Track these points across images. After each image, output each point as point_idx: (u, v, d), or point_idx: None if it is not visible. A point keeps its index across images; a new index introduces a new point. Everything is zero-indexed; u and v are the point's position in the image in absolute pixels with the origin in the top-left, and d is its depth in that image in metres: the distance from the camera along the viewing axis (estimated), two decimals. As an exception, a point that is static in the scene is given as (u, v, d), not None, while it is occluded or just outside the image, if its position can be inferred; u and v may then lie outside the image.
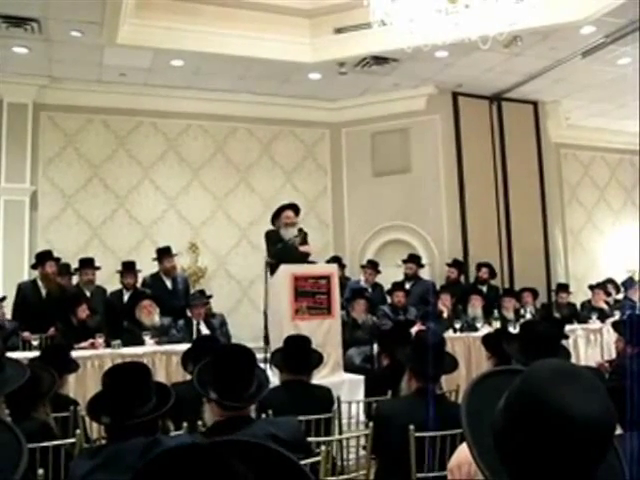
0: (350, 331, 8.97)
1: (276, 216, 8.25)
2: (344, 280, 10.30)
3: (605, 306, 11.18)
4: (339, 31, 10.16)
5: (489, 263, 11.40)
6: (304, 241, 8.08)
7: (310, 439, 4.04)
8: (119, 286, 9.55)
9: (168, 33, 9.51)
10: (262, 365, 6.09)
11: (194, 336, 8.35)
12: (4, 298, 8.59)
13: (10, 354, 4.13)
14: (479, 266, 11.40)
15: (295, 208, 8.28)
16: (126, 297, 9.32)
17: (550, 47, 10.03)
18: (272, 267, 7.79)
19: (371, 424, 4.20)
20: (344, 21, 10.04)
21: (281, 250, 7.83)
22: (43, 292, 8.93)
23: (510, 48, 9.74)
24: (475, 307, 10.05)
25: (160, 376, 7.01)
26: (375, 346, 8.68)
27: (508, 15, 7.82)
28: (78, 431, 4.21)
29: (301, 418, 4.21)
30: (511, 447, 1.40)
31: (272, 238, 8.06)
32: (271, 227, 8.29)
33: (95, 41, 9.33)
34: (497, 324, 9.32)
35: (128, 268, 9.56)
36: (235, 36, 9.79)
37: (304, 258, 7.93)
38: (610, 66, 10.71)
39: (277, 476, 1.28)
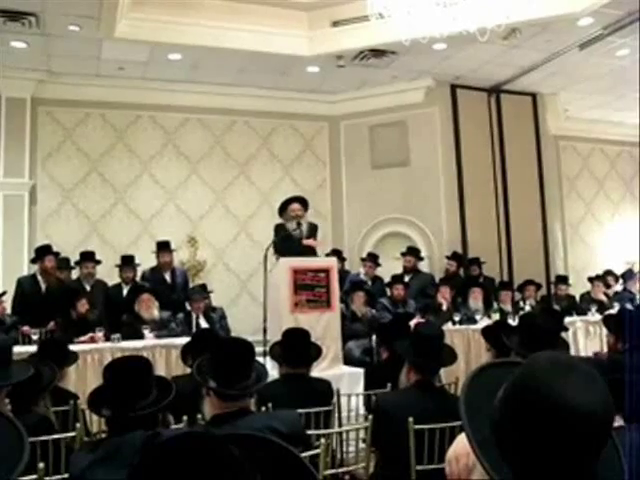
0: (349, 324, 8.98)
1: (283, 209, 8.22)
2: (343, 273, 10.30)
3: (604, 298, 11.20)
4: (337, 24, 10.14)
5: (474, 259, 11.47)
6: (311, 234, 8.05)
7: (310, 432, 4.06)
8: (118, 280, 9.56)
9: (165, 27, 9.49)
10: (261, 358, 6.12)
11: (193, 330, 8.37)
12: (4, 293, 8.59)
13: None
14: (469, 264, 11.44)
15: (302, 201, 8.24)
16: (125, 291, 9.34)
17: (548, 39, 10.02)
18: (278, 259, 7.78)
19: (370, 417, 4.21)
20: (342, 14, 10.02)
21: (283, 242, 7.81)
22: (43, 286, 8.93)
23: (508, 40, 9.74)
24: (477, 300, 10.06)
25: (160, 370, 7.02)
26: (374, 338, 8.71)
27: (506, 7, 7.83)
28: (78, 425, 4.22)
29: (301, 411, 4.21)
30: (510, 439, 1.40)
31: (278, 231, 8.06)
32: (279, 220, 8.28)
33: (93, 35, 9.31)
34: (496, 316, 9.32)
35: (127, 262, 9.58)
36: (232, 29, 9.77)
37: (308, 251, 7.90)
38: (609, 58, 10.70)
39: (278, 468, 1.29)
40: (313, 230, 8.11)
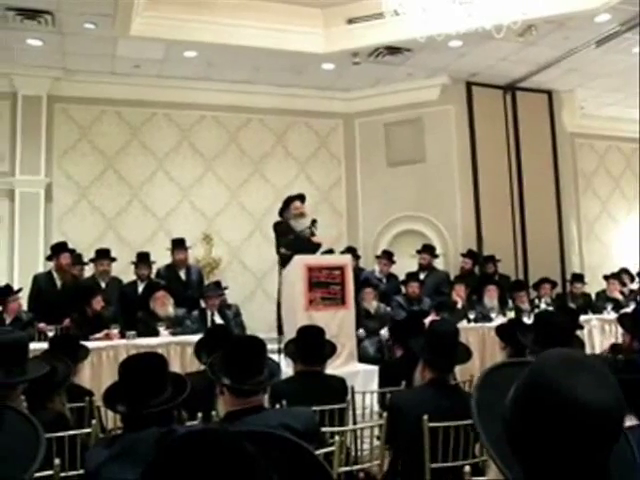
0: (363, 321, 8.98)
1: (284, 208, 8.27)
2: (358, 271, 10.30)
3: (620, 296, 11.14)
4: (352, 21, 10.13)
5: (490, 256, 11.44)
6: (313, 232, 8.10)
7: (324, 429, 4.06)
8: (133, 277, 9.59)
9: (181, 24, 9.51)
10: (276, 355, 6.13)
11: (209, 327, 8.39)
12: (20, 290, 8.64)
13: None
14: (485, 262, 11.41)
15: (302, 198, 8.30)
16: (140, 288, 9.36)
17: (564, 36, 9.98)
18: (283, 259, 7.80)
19: (385, 414, 4.21)
20: (357, 11, 10.01)
21: (293, 241, 7.84)
22: (58, 283, 8.98)
23: (524, 37, 9.69)
24: (492, 298, 10.03)
25: (175, 367, 7.04)
26: (382, 333, 8.74)
27: (522, 4, 7.80)
28: (94, 421, 4.24)
29: (315, 408, 4.22)
30: (521, 437, 1.40)
31: (282, 230, 8.07)
32: (278, 219, 8.32)
33: (108, 33, 9.35)
34: (511, 314, 9.29)
35: (142, 259, 9.60)
36: (248, 27, 9.78)
37: (316, 248, 7.94)
38: (625, 55, 10.64)
39: (293, 466, 1.29)
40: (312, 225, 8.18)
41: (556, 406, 1.34)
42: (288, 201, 8.29)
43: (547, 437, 1.35)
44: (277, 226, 8.22)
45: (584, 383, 1.35)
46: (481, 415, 1.52)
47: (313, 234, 8.03)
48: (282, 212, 8.33)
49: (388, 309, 9.67)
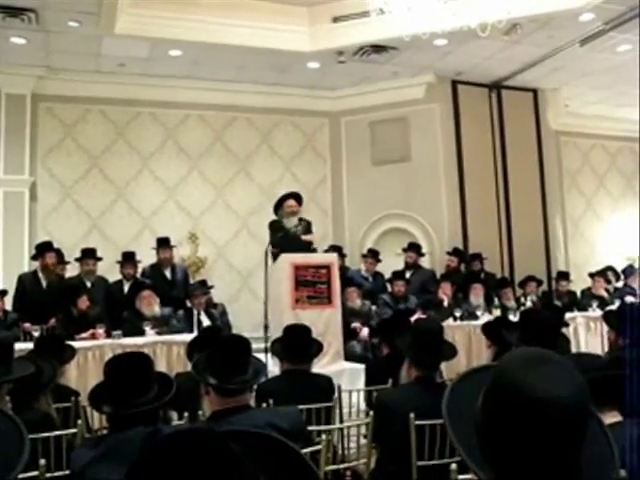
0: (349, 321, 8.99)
1: (278, 205, 8.26)
2: (344, 269, 10.30)
3: (605, 294, 11.19)
4: (337, 20, 10.13)
5: (476, 254, 11.47)
6: (307, 230, 8.08)
7: (311, 428, 4.05)
8: (119, 277, 9.55)
9: (166, 23, 9.48)
10: (262, 354, 6.12)
11: (195, 326, 8.38)
12: (5, 292, 8.60)
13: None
14: (471, 260, 11.44)
15: (297, 197, 8.29)
16: (126, 287, 9.33)
17: (549, 35, 10.01)
18: (275, 257, 7.79)
19: (372, 413, 4.21)
20: (342, 10, 10.01)
21: (282, 239, 7.83)
22: (43, 283, 8.95)
23: (509, 36, 9.72)
24: (478, 296, 10.07)
25: (161, 366, 7.02)
26: (365, 331, 8.75)
27: (507, 2, 7.83)
28: (79, 421, 4.22)
29: (302, 407, 4.21)
30: (491, 438, 1.41)
31: (275, 228, 8.07)
32: (274, 217, 8.31)
33: (93, 31, 9.30)
34: (497, 312, 9.32)
35: (128, 258, 9.57)
36: (233, 26, 9.76)
37: (306, 247, 7.93)
38: (610, 53, 10.69)
39: (279, 465, 1.29)
40: (309, 226, 8.15)
41: (519, 406, 1.36)
42: (282, 199, 8.27)
43: (514, 437, 1.36)
44: (271, 224, 8.21)
45: (545, 380, 1.37)
46: (454, 422, 1.53)
47: (306, 232, 8.02)
48: (276, 210, 8.31)
49: (373, 307, 9.68)
